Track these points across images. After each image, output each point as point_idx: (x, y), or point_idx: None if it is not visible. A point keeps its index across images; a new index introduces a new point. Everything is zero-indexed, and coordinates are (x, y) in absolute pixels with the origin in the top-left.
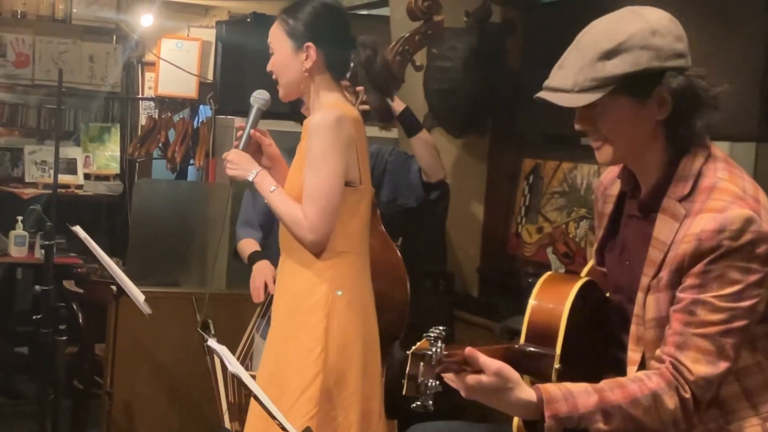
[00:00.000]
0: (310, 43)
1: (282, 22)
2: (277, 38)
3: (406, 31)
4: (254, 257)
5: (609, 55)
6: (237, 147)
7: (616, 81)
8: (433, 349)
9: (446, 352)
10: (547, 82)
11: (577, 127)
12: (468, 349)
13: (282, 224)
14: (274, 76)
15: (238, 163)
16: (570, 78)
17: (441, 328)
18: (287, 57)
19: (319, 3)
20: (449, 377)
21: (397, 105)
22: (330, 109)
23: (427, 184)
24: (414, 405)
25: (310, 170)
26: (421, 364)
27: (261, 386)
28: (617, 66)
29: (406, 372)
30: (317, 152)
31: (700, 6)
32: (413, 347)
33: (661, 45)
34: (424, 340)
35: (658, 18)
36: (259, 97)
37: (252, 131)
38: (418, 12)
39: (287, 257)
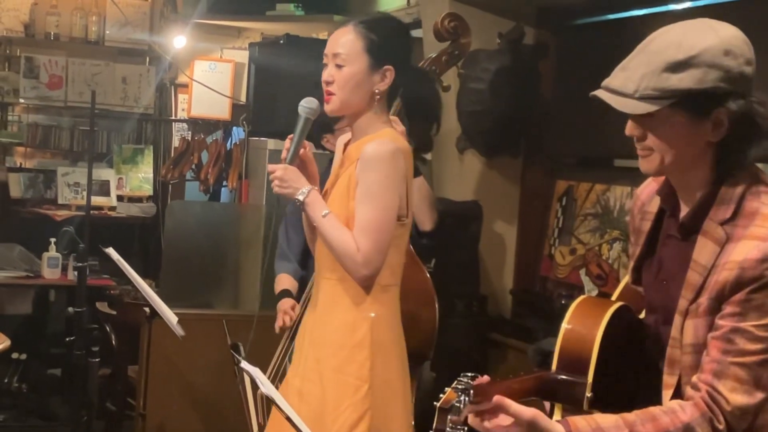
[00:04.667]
0: (390, 66)
1: (361, 34)
2: (355, 51)
3: (436, 52)
4: (281, 295)
5: (677, 67)
6: (284, 161)
7: (678, 95)
8: (462, 399)
9: (475, 398)
10: (607, 81)
11: (627, 131)
12: (497, 398)
13: (323, 252)
14: (330, 87)
15: (287, 180)
16: (633, 82)
17: (469, 375)
18: (361, 73)
19: (399, 23)
20: (477, 424)
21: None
22: (386, 140)
23: (417, 231)
24: None
25: (366, 202)
26: (449, 417)
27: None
28: (683, 80)
29: (434, 426)
30: (375, 184)
31: (758, 28)
32: (441, 399)
33: (731, 67)
34: (451, 390)
35: (733, 37)
36: (307, 107)
37: (301, 145)
38: (444, 32)
39: (329, 285)
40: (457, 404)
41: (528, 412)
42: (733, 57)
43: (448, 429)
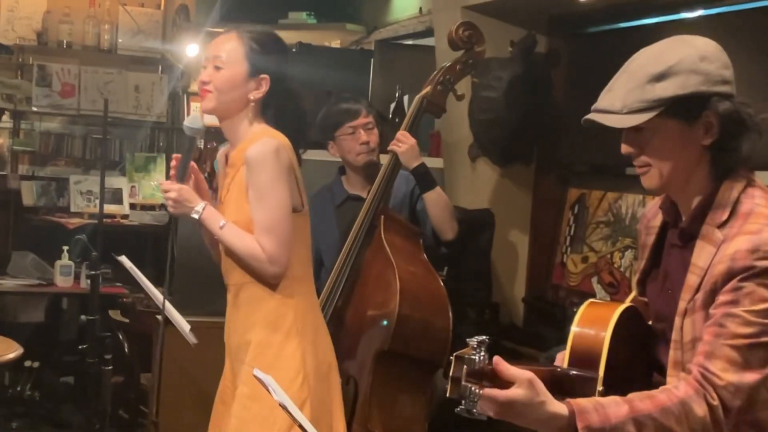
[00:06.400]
0: (266, 76)
1: (244, 42)
2: (235, 56)
3: (451, 60)
4: None
5: (658, 78)
6: (173, 179)
7: (664, 103)
8: (477, 356)
9: (487, 362)
10: (595, 105)
11: (623, 150)
12: (496, 358)
13: (230, 259)
14: (207, 87)
15: (181, 201)
16: (619, 100)
17: (485, 336)
18: (238, 79)
19: (281, 40)
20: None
21: (414, 160)
22: (266, 139)
23: (438, 240)
24: (458, 409)
25: (260, 204)
26: (465, 367)
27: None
28: (666, 88)
29: (450, 374)
30: (263, 184)
31: (745, 35)
32: (458, 351)
33: (710, 70)
34: (469, 346)
35: (706, 45)
36: (190, 126)
37: (189, 163)
38: (459, 42)
39: (243, 292)
40: (473, 356)
41: (526, 372)
42: (709, 62)
43: (464, 382)
